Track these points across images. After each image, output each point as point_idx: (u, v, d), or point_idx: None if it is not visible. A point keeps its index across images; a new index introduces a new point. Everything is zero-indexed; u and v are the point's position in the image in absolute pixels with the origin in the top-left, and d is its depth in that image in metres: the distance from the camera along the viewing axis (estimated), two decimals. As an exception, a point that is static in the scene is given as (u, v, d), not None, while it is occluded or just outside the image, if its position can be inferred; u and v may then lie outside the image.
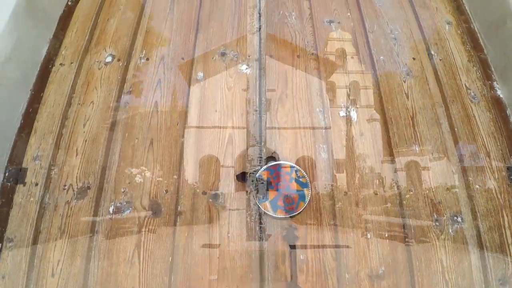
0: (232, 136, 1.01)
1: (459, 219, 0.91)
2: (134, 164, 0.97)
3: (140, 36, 1.24)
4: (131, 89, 1.12)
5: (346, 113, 1.06)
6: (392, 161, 0.99)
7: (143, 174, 0.96)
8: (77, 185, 0.95)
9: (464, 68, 1.18)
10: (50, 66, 1.20)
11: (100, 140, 1.02)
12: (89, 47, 1.23)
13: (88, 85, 1.14)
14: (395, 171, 0.97)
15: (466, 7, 1.34)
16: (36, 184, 0.95)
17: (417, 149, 1.01)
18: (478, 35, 1.26)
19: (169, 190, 0.94)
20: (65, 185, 0.95)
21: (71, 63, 1.20)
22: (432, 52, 1.21)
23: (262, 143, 1.00)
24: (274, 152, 0.99)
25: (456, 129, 1.04)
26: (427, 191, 0.95)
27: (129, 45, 1.21)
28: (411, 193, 0.94)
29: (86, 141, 1.02)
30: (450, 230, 0.90)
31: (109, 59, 1.19)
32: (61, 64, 1.20)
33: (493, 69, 1.17)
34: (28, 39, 1.14)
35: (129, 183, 0.95)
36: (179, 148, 1.00)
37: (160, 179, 0.95)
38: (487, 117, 1.07)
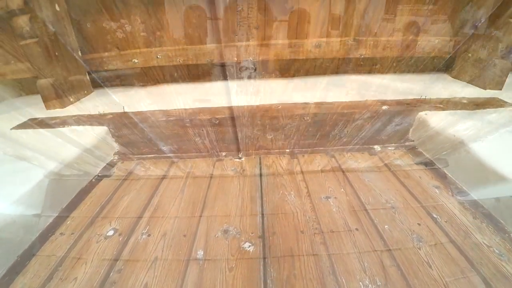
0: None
1: None
2: None
3: (148, 212, 1.31)
4: (122, 267, 1.03)
5: (368, 295, 0.90)
6: None
7: None
8: None
9: (474, 226, 1.12)
10: (49, 235, 1.19)
11: None
12: (96, 220, 1.28)
13: (79, 259, 1.08)
14: None
15: (447, 172, 1.46)
16: None
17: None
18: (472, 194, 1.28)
19: None
20: None
21: (72, 233, 1.20)
22: (435, 215, 1.19)
23: None
24: None
25: None
26: None
27: (135, 220, 1.26)
28: None
29: None
30: None
31: (110, 233, 1.20)
32: (61, 233, 1.20)
33: (502, 221, 1.12)
34: (39, 208, 1.20)
35: None
36: None
37: None
38: None
